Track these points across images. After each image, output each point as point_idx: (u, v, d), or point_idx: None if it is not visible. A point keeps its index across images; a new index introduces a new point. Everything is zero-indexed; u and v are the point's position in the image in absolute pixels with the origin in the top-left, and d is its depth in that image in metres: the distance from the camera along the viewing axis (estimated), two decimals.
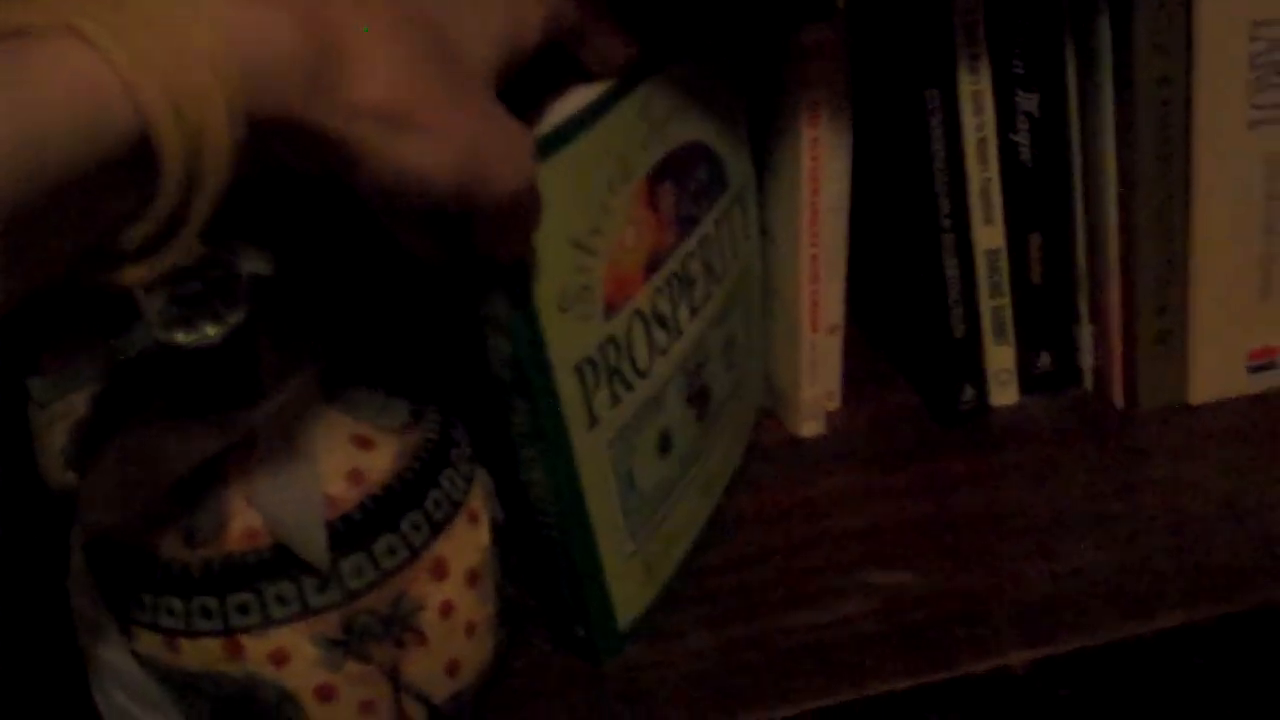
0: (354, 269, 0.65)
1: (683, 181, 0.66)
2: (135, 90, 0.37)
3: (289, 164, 0.45)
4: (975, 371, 0.78)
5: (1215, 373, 0.76)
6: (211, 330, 0.57)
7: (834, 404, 0.82)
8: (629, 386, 0.64)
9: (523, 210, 0.53)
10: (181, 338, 0.56)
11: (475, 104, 0.48)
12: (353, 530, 0.57)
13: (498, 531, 0.63)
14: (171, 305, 0.57)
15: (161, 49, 0.38)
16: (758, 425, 0.81)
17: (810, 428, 0.81)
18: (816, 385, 0.79)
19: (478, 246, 0.53)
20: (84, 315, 0.65)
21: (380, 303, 0.66)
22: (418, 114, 0.45)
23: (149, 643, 0.58)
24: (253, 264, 0.59)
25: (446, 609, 0.60)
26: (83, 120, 0.36)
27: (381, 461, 0.60)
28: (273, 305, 0.60)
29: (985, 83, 0.71)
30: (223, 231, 0.59)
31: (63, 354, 0.67)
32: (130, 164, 0.38)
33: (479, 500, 0.63)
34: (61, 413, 0.67)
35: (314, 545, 0.56)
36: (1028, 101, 0.71)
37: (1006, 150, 0.73)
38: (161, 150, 0.38)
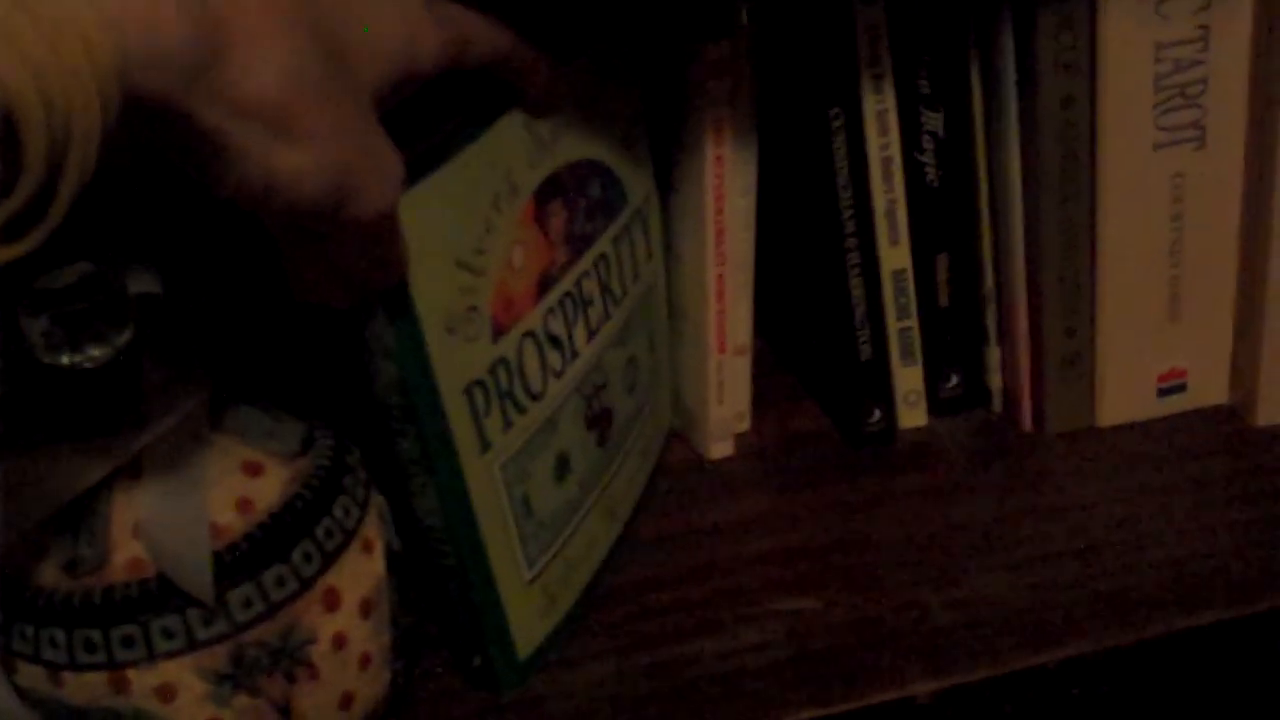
0: (241, 288, 0.63)
1: (574, 199, 0.65)
2: None
3: (159, 155, 0.44)
4: (883, 393, 0.77)
5: (1124, 396, 0.76)
6: (97, 352, 0.55)
7: (743, 425, 0.81)
8: (521, 409, 0.63)
9: (384, 235, 0.51)
10: (65, 360, 0.54)
11: (355, 120, 0.47)
12: (240, 560, 0.56)
13: (393, 559, 0.62)
14: (55, 327, 0.55)
15: (31, 24, 0.36)
16: (667, 446, 0.80)
17: (719, 449, 0.80)
18: (724, 406, 0.78)
19: (337, 265, 0.52)
20: None
21: (269, 323, 0.65)
22: (298, 120, 0.43)
23: (31, 676, 0.56)
24: (140, 283, 0.57)
25: (339, 640, 0.58)
26: None
27: (271, 489, 0.58)
28: (159, 326, 0.58)
29: (890, 102, 0.70)
30: (109, 249, 0.58)
31: None
32: None
33: (373, 528, 0.61)
34: None
35: (198, 577, 0.55)
36: (933, 121, 0.71)
37: (912, 170, 0.72)
38: (24, 130, 0.36)
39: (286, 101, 0.43)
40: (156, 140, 0.42)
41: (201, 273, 0.62)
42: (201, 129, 0.42)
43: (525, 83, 0.59)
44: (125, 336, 0.55)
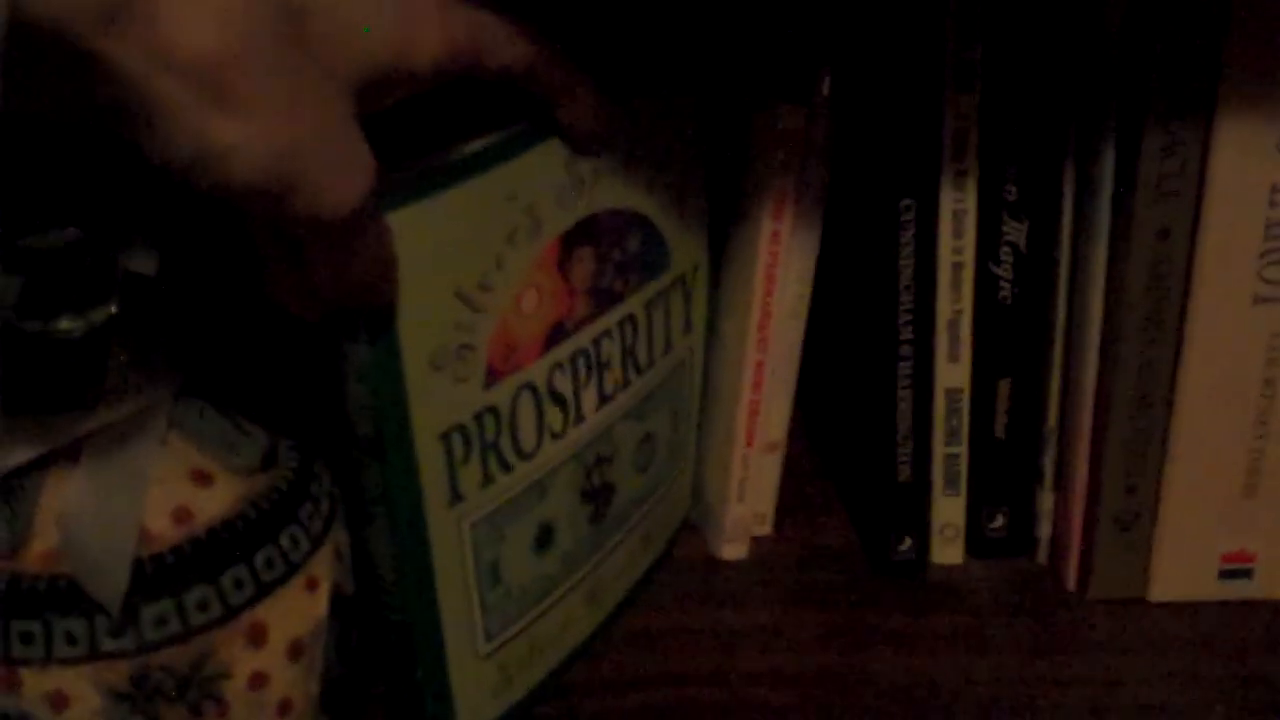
0: (230, 283, 0.59)
1: (607, 251, 0.59)
2: None
3: (76, 111, 0.38)
4: (918, 522, 0.71)
5: (1181, 571, 0.69)
6: (68, 324, 0.52)
7: (764, 528, 0.75)
8: (506, 467, 0.57)
9: (351, 244, 0.46)
10: (34, 326, 0.51)
11: (318, 105, 0.41)
12: (163, 573, 0.51)
13: (341, 604, 0.57)
14: (31, 290, 0.51)
15: None
16: (677, 537, 0.74)
17: (732, 550, 0.74)
18: (745, 505, 0.72)
19: (309, 274, 0.47)
20: None
21: (254, 323, 0.60)
22: (241, 86, 0.38)
23: None
24: (135, 261, 0.54)
25: (258, 680, 0.53)
26: None
27: (216, 503, 0.54)
28: (142, 309, 0.54)
29: (970, 203, 0.64)
30: (109, 221, 0.54)
31: None
32: None
33: (323, 565, 0.56)
34: None
35: (110, 581, 0.50)
36: (1015, 231, 0.64)
37: (984, 282, 0.66)
38: None
39: (228, 62, 0.37)
40: (75, 90, 0.37)
41: (194, 260, 0.58)
42: (122, 79, 0.36)
43: (562, 109, 0.54)
44: (103, 313, 0.52)
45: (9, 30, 0.33)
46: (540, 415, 0.58)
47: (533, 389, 0.57)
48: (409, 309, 0.50)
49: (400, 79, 0.46)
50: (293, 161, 0.40)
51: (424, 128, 0.52)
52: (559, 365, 0.58)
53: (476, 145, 0.52)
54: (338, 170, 0.42)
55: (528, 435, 0.58)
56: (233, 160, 0.39)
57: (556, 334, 0.58)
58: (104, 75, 0.36)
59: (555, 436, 0.59)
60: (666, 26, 0.62)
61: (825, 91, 0.63)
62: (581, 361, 0.60)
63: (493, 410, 0.55)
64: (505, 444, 0.57)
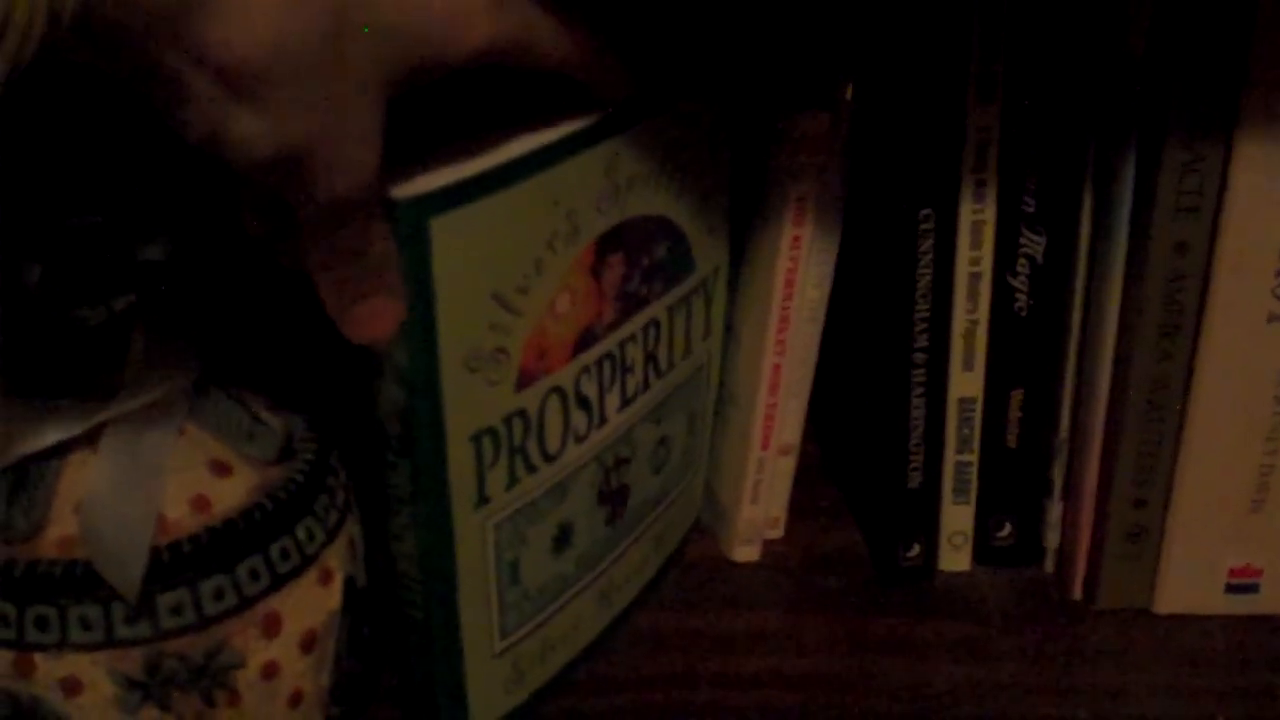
0: (250, 274, 0.59)
1: (636, 256, 0.60)
2: None
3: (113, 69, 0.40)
4: (927, 528, 0.71)
5: (1188, 584, 0.69)
6: (88, 312, 0.52)
7: (776, 531, 0.75)
8: (532, 469, 0.57)
9: (349, 227, 0.47)
10: (54, 313, 0.52)
11: (340, 102, 0.42)
12: (180, 562, 0.52)
13: (353, 597, 0.57)
14: (51, 276, 0.52)
15: None
16: (689, 538, 0.75)
17: (744, 553, 0.74)
18: (758, 508, 0.72)
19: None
20: None
21: (278, 315, 0.60)
22: (264, 90, 0.40)
23: None
24: (149, 249, 0.54)
25: (270, 671, 0.54)
26: None
27: (234, 493, 0.54)
28: (158, 294, 0.54)
29: (989, 214, 0.64)
30: (125, 211, 0.54)
31: None
32: None
33: (337, 558, 0.57)
34: None
35: (127, 569, 0.50)
36: (1032, 244, 0.65)
37: (1000, 293, 0.66)
38: None
39: (258, 71, 0.39)
40: (109, 60, 0.39)
41: (214, 251, 0.58)
42: (158, 68, 0.38)
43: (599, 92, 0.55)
44: (123, 301, 0.53)
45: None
46: (566, 418, 0.58)
47: (561, 393, 0.57)
48: (447, 311, 0.50)
49: (437, 69, 0.46)
50: (308, 150, 0.42)
51: (459, 119, 0.53)
52: (586, 369, 0.58)
53: (523, 149, 0.52)
54: (345, 160, 0.44)
55: (554, 438, 0.58)
56: (247, 148, 0.41)
57: (586, 338, 0.58)
58: (144, 60, 0.38)
59: (578, 439, 0.59)
60: (696, 33, 0.63)
61: (848, 98, 0.63)
62: (607, 365, 0.60)
63: (522, 413, 0.56)
64: (532, 447, 0.57)
